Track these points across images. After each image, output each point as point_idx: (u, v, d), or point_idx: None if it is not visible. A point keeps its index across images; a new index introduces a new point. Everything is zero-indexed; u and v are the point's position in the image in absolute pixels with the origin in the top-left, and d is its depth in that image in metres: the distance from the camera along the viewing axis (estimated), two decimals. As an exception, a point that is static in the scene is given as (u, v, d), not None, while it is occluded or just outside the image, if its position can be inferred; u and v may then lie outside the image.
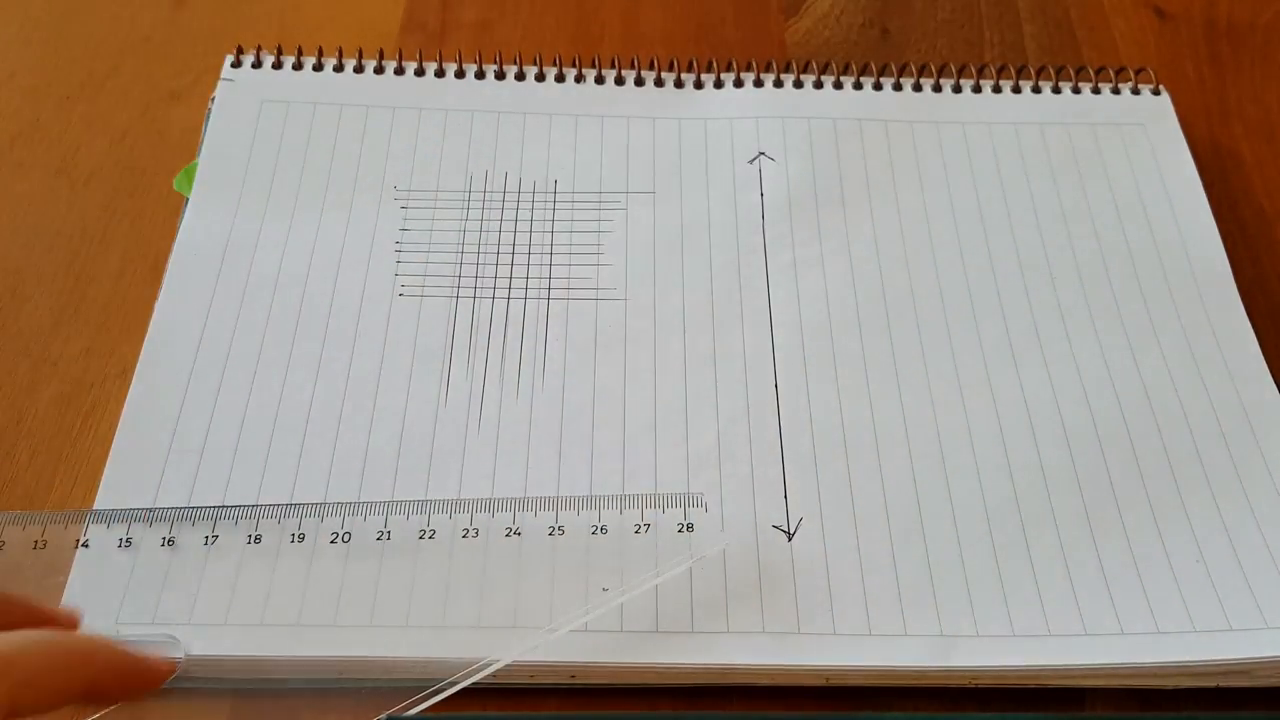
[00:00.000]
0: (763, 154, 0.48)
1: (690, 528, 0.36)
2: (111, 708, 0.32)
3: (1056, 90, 0.51)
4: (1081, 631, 0.35)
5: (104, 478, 0.37)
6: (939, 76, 0.51)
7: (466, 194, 0.46)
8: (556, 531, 0.36)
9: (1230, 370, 0.42)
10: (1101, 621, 0.35)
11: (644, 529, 0.36)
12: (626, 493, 0.38)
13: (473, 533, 0.36)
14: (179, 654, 0.33)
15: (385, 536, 0.36)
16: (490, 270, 0.44)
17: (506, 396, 0.40)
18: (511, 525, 0.36)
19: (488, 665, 0.33)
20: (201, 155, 0.46)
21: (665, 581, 0.35)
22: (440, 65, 0.50)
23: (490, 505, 0.37)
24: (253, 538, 0.36)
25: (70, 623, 0.32)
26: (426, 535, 0.36)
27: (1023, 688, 0.35)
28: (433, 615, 0.35)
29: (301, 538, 0.36)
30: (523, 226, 0.46)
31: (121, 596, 0.35)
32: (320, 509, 0.37)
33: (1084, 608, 0.36)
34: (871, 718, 0.35)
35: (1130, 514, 0.38)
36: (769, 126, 0.49)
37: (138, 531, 0.36)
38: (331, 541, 0.36)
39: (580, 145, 0.48)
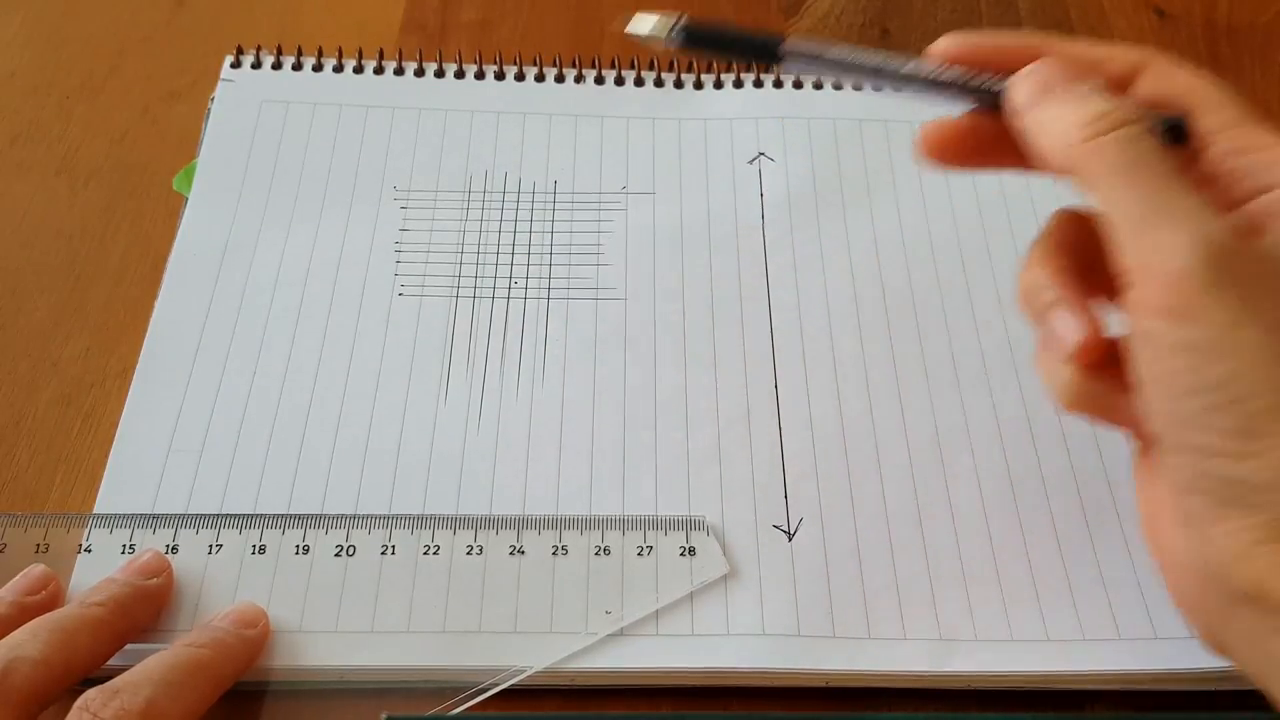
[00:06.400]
0: (762, 154, 0.48)
1: (692, 551, 0.37)
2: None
3: (1056, 90, 0.51)
4: (1080, 637, 0.35)
5: (104, 478, 0.38)
6: (939, 76, 0.51)
7: (466, 194, 0.46)
8: (559, 551, 0.36)
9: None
10: (1100, 627, 0.35)
11: (646, 551, 0.36)
12: (627, 512, 0.38)
13: (476, 549, 0.36)
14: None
15: (390, 551, 0.36)
16: (490, 270, 0.44)
17: (506, 396, 0.40)
18: (515, 543, 0.36)
19: (491, 683, 0.34)
20: (201, 155, 0.47)
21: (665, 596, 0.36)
22: (440, 65, 0.50)
23: (494, 523, 0.37)
24: (256, 548, 0.36)
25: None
26: (431, 551, 0.36)
27: (1022, 690, 0.35)
28: (434, 623, 0.35)
29: (306, 549, 0.36)
30: (522, 226, 0.45)
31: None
32: (324, 520, 0.37)
33: (1082, 613, 0.36)
34: (871, 718, 0.35)
35: (1129, 518, 0.38)
36: (769, 127, 0.49)
37: (140, 538, 0.36)
38: (336, 555, 0.36)
39: (580, 145, 0.48)
